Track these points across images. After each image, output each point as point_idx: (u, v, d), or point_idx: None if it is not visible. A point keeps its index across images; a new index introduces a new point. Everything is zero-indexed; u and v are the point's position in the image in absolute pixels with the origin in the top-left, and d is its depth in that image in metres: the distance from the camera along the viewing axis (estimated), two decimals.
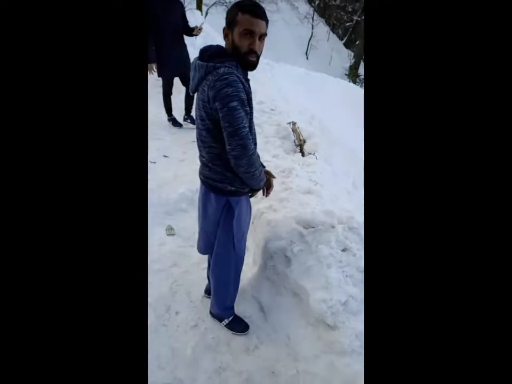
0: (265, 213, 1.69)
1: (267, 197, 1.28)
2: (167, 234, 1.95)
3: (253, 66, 0.98)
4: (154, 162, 2.50)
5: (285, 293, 1.49)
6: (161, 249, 1.85)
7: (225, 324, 1.43)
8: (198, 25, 2.70)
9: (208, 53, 0.98)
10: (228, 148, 0.96)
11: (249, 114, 0.98)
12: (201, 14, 5.98)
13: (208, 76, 0.94)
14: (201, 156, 1.13)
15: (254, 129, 1.10)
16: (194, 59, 1.03)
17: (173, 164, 2.56)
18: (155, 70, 2.60)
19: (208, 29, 5.29)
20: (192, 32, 2.70)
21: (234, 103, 0.90)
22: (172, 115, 2.93)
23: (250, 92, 0.98)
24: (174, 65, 2.64)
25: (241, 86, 0.92)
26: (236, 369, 1.30)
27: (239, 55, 0.95)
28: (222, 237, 1.21)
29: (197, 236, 1.93)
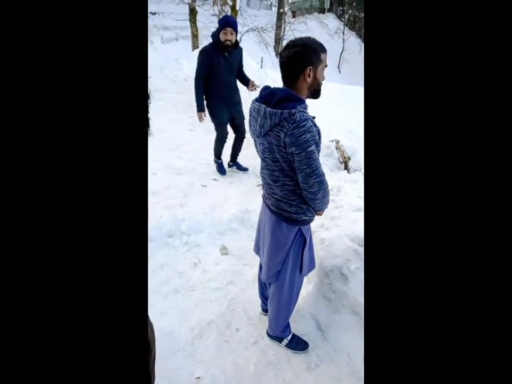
0: (317, 232, 1.73)
1: (318, 216, 1.32)
2: (222, 254, 2.06)
3: (320, 95, 1.09)
4: (205, 186, 2.67)
5: (343, 311, 1.50)
6: (217, 268, 1.95)
7: (284, 344, 1.47)
8: (256, 84, 2.58)
9: (276, 97, 1.01)
10: (305, 186, 1.04)
11: (319, 150, 1.05)
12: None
13: (283, 123, 0.97)
14: (272, 193, 1.18)
15: None
16: (255, 104, 1.07)
17: (222, 187, 2.72)
18: (204, 118, 2.56)
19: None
20: (247, 84, 2.63)
21: (312, 147, 0.97)
22: (220, 159, 2.83)
23: (320, 131, 1.03)
24: (228, 111, 2.59)
25: (315, 129, 0.99)
26: None
27: (318, 89, 1.06)
28: (290, 263, 1.26)
29: (249, 255, 2.03)
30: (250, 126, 1.13)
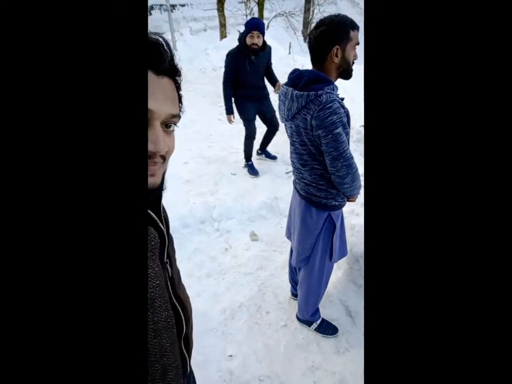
0: (347, 217, 1.71)
1: (351, 202, 1.31)
2: (251, 240, 2.11)
3: (351, 75, 1.05)
4: (235, 174, 2.72)
5: None
6: (247, 253, 2.01)
7: (314, 327, 1.49)
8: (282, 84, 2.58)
9: (303, 79, 1.00)
10: (332, 170, 1.02)
11: (348, 133, 1.01)
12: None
13: (309, 105, 0.96)
14: (301, 177, 1.18)
15: None
16: (284, 87, 1.08)
17: (251, 175, 2.75)
18: (233, 120, 2.59)
19: (269, 41, 5.50)
20: (274, 84, 2.60)
21: (339, 129, 0.94)
22: (250, 161, 2.80)
23: (349, 113, 1.00)
24: (255, 108, 2.60)
25: (343, 111, 0.96)
26: (328, 370, 1.34)
27: (348, 69, 1.02)
28: (320, 249, 1.26)
29: (278, 241, 2.05)
30: (279, 110, 1.13)
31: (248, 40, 2.33)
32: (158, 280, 0.51)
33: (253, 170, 2.75)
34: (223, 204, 2.35)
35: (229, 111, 2.53)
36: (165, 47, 0.43)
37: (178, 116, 0.46)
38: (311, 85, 0.99)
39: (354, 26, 0.98)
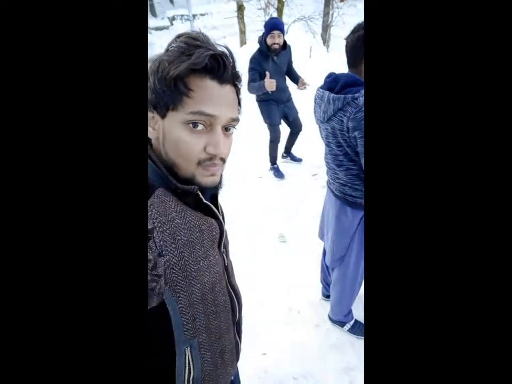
0: None
1: None
2: (280, 241, 2.13)
3: None
4: (261, 177, 2.76)
5: None
6: (274, 254, 2.03)
7: (347, 328, 1.49)
8: (307, 82, 2.51)
9: (340, 83, 1.04)
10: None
11: None
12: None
13: (346, 107, 0.99)
14: (336, 178, 1.20)
15: None
16: (320, 90, 1.12)
17: (277, 177, 2.78)
18: (273, 81, 2.38)
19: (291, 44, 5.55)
20: (297, 81, 2.56)
21: None
22: (276, 164, 2.82)
23: None
24: (280, 111, 2.58)
25: None
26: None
27: None
28: (355, 249, 1.27)
29: (305, 243, 2.06)
30: (315, 112, 1.16)
31: (269, 40, 2.33)
32: (218, 267, 0.55)
33: (278, 173, 2.77)
34: (250, 206, 2.39)
35: (262, 83, 2.26)
36: (229, 57, 0.47)
37: (237, 120, 0.50)
38: (348, 88, 1.02)
39: None
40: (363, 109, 0.96)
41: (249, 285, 1.81)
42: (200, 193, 0.49)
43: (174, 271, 0.46)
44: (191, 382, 0.53)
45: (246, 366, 1.39)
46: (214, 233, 0.53)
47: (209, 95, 0.45)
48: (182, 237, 0.47)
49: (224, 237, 0.58)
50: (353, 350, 1.43)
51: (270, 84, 2.21)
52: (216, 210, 0.54)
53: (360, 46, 1.01)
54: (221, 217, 0.56)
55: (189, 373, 0.52)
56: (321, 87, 1.13)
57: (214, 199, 0.59)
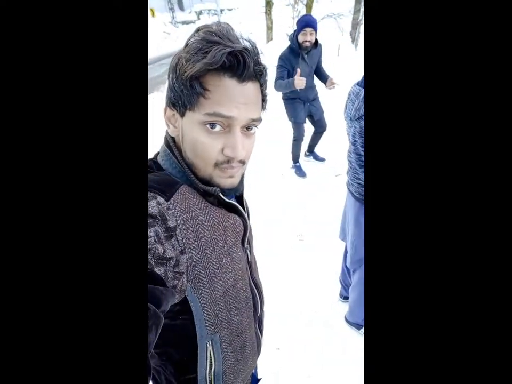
0: None
1: None
2: (298, 240, 2.13)
3: None
4: (283, 175, 2.77)
5: None
6: (293, 253, 2.04)
7: (363, 331, 1.48)
8: (335, 82, 2.45)
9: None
10: None
11: None
12: None
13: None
14: (356, 178, 1.20)
15: None
16: (356, 87, 1.10)
17: (299, 176, 2.78)
18: (302, 78, 2.33)
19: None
20: (325, 81, 2.52)
21: None
22: (298, 162, 2.82)
23: None
24: (305, 109, 2.56)
25: None
26: None
27: None
28: None
29: (324, 241, 2.06)
30: (346, 108, 1.15)
31: (301, 38, 2.30)
32: (241, 264, 0.55)
33: (300, 172, 2.76)
34: (269, 202, 2.40)
35: (291, 81, 2.21)
36: (251, 52, 0.43)
37: (259, 120, 0.47)
38: None
39: None
40: None
41: (266, 281, 1.83)
42: (221, 194, 0.48)
43: (197, 269, 0.46)
44: (212, 374, 0.54)
45: (259, 357, 1.41)
46: (237, 230, 0.53)
47: (227, 94, 0.42)
48: (205, 234, 0.47)
49: (248, 233, 0.58)
50: None
51: (300, 82, 2.14)
52: (240, 208, 0.53)
53: None
54: (245, 214, 0.55)
55: (211, 366, 0.53)
56: (358, 84, 1.10)
57: (240, 197, 0.58)
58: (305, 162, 2.97)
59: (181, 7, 13.20)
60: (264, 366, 1.39)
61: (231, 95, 0.42)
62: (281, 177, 2.76)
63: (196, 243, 0.45)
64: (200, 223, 0.46)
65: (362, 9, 7.05)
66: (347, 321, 1.54)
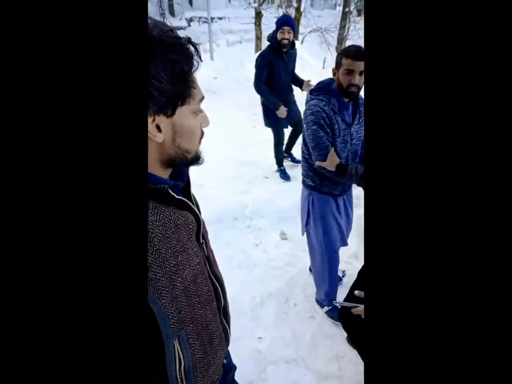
0: None
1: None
2: (281, 238, 2.23)
3: (353, 95, 1.26)
4: (268, 177, 2.87)
5: None
6: (277, 250, 2.12)
7: (325, 310, 1.63)
8: (312, 84, 2.47)
9: (315, 87, 1.30)
10: (313, 158, 1.33)
11: (333, 136, 1.28)
12: (300, 43, 6.43)
13: (306, 106, 1.31)
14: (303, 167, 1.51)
15: (348, 148, 1.34)
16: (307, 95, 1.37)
17: (283, 179, 2.89)
18: (286, 109, 2.56)
19: (304, 55, 5.69)
20: (300, 84, 2.65)
21: (314, 127, 1.24)
22: (282, 166, 2.91)
23: (335, 122, 1.25)
24: (287, 115, 2.62)
25: (323, 115, 1.23)
26: (352, 360, 1.42)
27: (342, 88, 1.24)
28: (312, 232, 1.55)
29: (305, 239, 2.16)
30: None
31: (279, 36, 2.42)
32: (198, 258, 0.56)
33: (285, 175, 2.86)
34: (255, 203, 2.49)
35: (277, 106, 2.48)
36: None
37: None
38: (315, 92, 1.32)
39: (347, 56, 1.17)
40: (309, 108, 1.26)
41: (250, 275, 1.91)
42: (170, 191, 0.48)
43: (153, 269, 0.46)
44: (182, 371, 0.54)
45: (241, 346, 1.48)
46: (190, 226, 0.54)
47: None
48: (157, 234, 0.47)
49: (202, 228, 0.59)
50: (343, 341, 1.51)
51: (282, 112, 2.51)
52: (190, 204, 0.54)
53: (338, 59, 1.26)
54: (196, 210, 0.56)
55: (180, 363, 0.53)
56: (310, 93, 1.37)
57: (187, 192, 0.58)
58: (289, 165, 3.08)
59: (172, 13, 13.29)
60: (246, 352, 1.46)
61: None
62: (266, 180, 2.87)
63: (148, 244, 0.45)
64: (151, 223, 0.46)
65: (347, 25, 7.40)
66: (316, 299, 1.70)
